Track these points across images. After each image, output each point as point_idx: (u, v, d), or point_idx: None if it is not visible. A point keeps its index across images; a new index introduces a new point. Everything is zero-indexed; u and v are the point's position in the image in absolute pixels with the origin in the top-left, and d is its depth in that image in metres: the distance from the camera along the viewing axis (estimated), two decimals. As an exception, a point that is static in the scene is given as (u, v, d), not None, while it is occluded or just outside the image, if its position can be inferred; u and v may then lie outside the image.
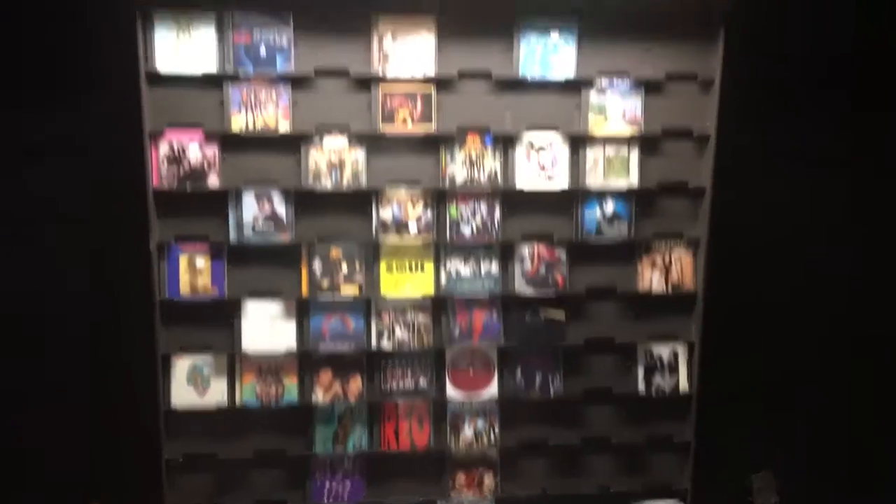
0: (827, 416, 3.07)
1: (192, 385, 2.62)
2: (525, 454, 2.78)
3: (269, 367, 2.65)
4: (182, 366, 2.62)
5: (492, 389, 2.74)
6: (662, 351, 2.79)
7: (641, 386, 2.79)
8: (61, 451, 2.77)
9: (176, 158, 2.54)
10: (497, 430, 2.76)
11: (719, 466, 2.85)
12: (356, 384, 2.68)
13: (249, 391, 2.64)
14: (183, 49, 2.49)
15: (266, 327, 2.63)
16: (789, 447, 3.00)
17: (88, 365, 2.74)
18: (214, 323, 2.62)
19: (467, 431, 2.75)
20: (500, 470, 2.78)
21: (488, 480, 2.78)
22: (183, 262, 2.59)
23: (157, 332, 2.55)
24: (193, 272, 2.59)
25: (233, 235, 2.59)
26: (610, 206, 2.70)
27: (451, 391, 2.73)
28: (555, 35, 2.60)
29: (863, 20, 2.85)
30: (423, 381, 2.72)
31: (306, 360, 2.67)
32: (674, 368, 2.79)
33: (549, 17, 2.58)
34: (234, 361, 2.65)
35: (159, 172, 2.53)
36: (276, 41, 2.52)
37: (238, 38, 2.51)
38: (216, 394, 2.63)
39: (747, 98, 2.73)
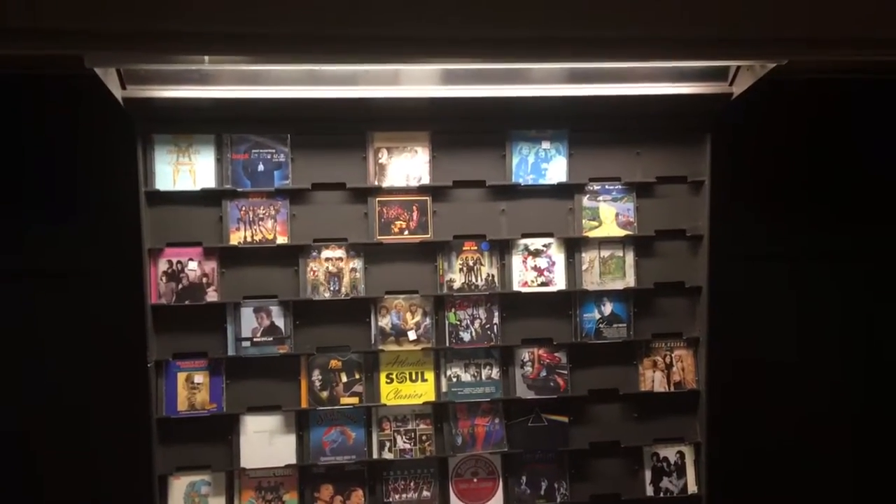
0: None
1: (190, 505, 2.62)
2: (534, 566, 2.77)
3: (268, 483, 2.66)
4: (179, 486, 2.62)
5: (497, 498, 2.75)
6: (669, 453, 2.82)
7: (650, 490, 2.80)
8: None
9: (175, 274, 2.62)
10: (504, 541, 2.76)
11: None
12: (358, 498, 2.69)
13: (249, 510, 2.65)
14: (182, 168, 2.61)
15: (265, 442, 2.66)
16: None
17: (87, 487, 2.74)
18: (212, 439, 2.65)
19: (473, 544, 2.75)
20: (509, 584, 2.76)
21: None
22: (181, 378, 2.64)
23: (154, 453, 2.57)
24: (191, 388, 2.64)
25: (231, 350, 2.65)
26: (608, 308, 2.79)
27: (456, 502, 2.73)
28: (546, 143, 2.74)
29: (846, 118, 3.02)
30: (426, 492, 2.73)
31: (307, 475, 2.69)
32: (681, 470, 2.81)
33: (539, 126, 2.73)
34: (232, 479, 2.65)
35: (158, 289, 2.61)
36: (274, 158, 2.65)
37: (236, 156, 2.64)
38: (215, 514, 2.63)
39: (737, 198, 2.87)
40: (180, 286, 2.61)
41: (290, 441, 2.67)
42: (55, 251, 2.73)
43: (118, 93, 2.39)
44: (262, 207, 2.65)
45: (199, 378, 2.64)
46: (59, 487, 2.75)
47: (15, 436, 2.73)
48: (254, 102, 2.47)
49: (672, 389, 2.81)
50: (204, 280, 2.62)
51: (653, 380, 2.81)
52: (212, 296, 2.63)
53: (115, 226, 2.65)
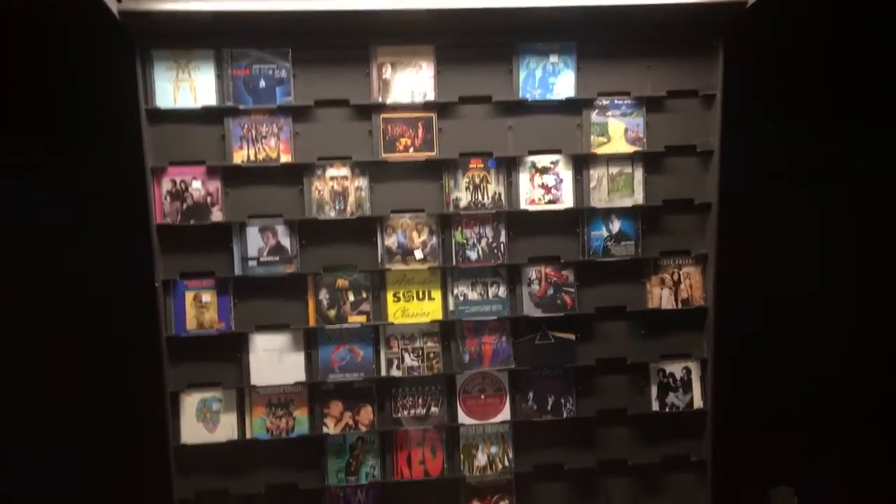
0: (844, 429, 3.15)
1: (202, 421, 2.70)
2: (540, 478, 2.86)
3: (278, 399, 2.74)
4: (191, 402, 2.70)
5: (504, 414, 2.82)
6: (675, 369, 2.87)
7: (655, 405, 2.87)
8: (72, 492, 2.85)
9: (179, 194, 2.64)
10: (511, 455, 2.84)
11: (737, 484, 2.92)
12: (367, 414, 2.77)
13: (259, 425, 2.73)
14: (182, 85, 2.60)
15: (274, 360, 2.72)
16: (808, 461, 3.07)
17: (97, 405, 2.83)
18: (222, 358, 2.71)
19: (481, 458, 2.83)
20: (516, 495, 2.86)
21: (504, 507, 2.86)
22: (189, 298, 2.68)
23: (165, 370, 2.64)
24: (199, 308, 2.69)
25: (238, 269, 2.68)
26: (616, 225, 2.80)
27: (463, 417, 2.81)
28: (553, 57, 2.70)
29: (861, 29, 2.95)
30: (434, 408, 2.81)
31: (316, 392, 2.76)
32: (687, 386, 2.87)
33: (546, 39, 2.69)
34: (243, 396, 2.73)
35: (162, 209, 2.63)
36: (275, 74, 2.63)
37: (237, 72, 2.62)
38: (226, 429, 2.71)
39: (750, 112, 2.84)
40: (185, 206, 2.64)
41: (299, 359, 2.74)
42: (56, 173, 2.75)
43: (114, 6, 2.36)
44: (264, 125, 2.64)
45: (206, 297, 2.69)
46: (68, 405, 2.83)
47: (23, 351, 2.80)
48: (254, 15, 2.44)
49: (679, 306, 2.84)
50: (208, 199, 2.64)
51: (660, 297, 2.84)
52: (216, 215, 2.65)
53: (117, 145, 2.65)
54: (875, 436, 3.18)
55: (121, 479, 2.85)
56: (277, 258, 2.69)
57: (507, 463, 2.84)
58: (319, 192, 2.69)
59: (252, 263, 2.68)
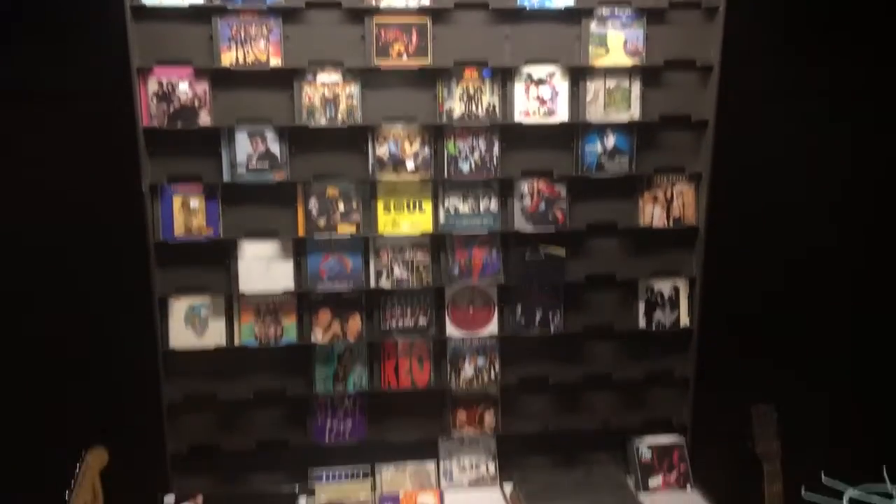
0: (828, 351, 3.22)
1: (190, 327, 2.74)
2: (526, 391, 2.93)
3: (267, 307, 2.77)
4: (179, 308, 2.73)
5: (492, 327, 2.87)
6: (663, 286, 2.91)
7: (642, 322, 2.92)
8: (60, 398, 2.90)
9: (165, 96, 2.60)
10: (497, 367, 2.90)
11: (719, 401, 2.99)
12: (355, 323, 2.81)
13: (248, 332, 2.76)
14: (169, -19, 2.53)
15: (263, 268, 2.74)
16: (790, 382, 3.15)
17: (85, 310, 2.85)
18: (210, 264, 2.73)
19: (468, 369, 2.89)
20: (501, 407, 2.93)
21: (489, 418, 2.93)
22: (176, 203, 2.68)
23: (153, 275, 2.66)
24: (188, 213, 2.68)
25: (226, 175, 2.67)
26: (611, 140, 2.79)
27: (451, 329, 2.85)
28: (554, -38, 2.64)
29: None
30: (422, 320, 2.85)
31: (304, 301, 2.79)
32: (675, 303, 2.92)
33: (548, -57, 2.63)
34: (231, 302, 2.76)
35: (149, 111, 2.60)
36: (266, -28, 2.56)
37: (225, -31, 2.55)
38: (214, 335, 2.75)
39: (753, 28, 2.79)
40: (172, 108, 2.60)
41: (288, 267, 2.75)
42: (39, 71, 2.69)
43: None
44: (253, 26, 2.59)
45: (194, 203, 2.68)
46: (55, 313, 2.85)
47: (11, 254, 2.81)
48: None
49: (671, 225, 2.86)
50: (196, 102, 2.61)
51: (652, 215, 2.85)
52: (204, 119, 2.62)
53: (101, 44, 2.59)
54: (857, 357, 3.26)
55: (109, 383, 2.89)
56: (267, 165, 2.68)
57: (493, 375, 2.90)
58: (310, 98, 2.66)
59: (241, 170, 2.67)
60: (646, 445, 2.92)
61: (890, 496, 2.77)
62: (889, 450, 3.04)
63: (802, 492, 2.85)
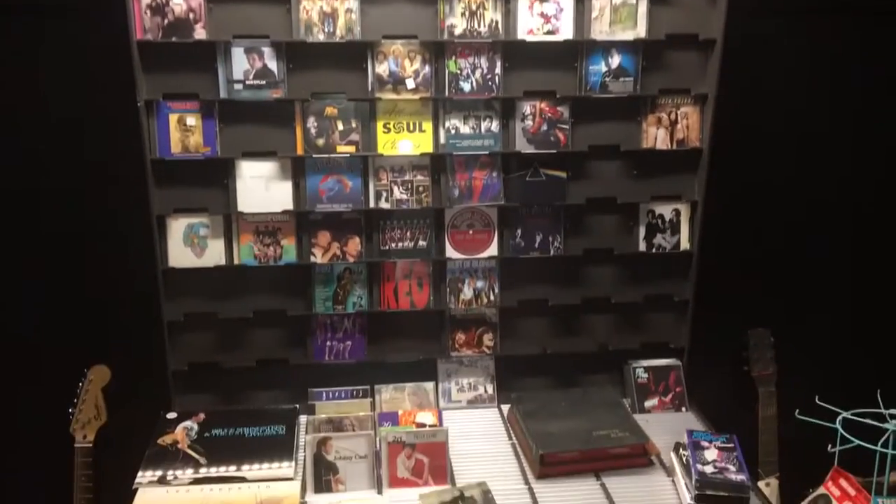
0: (827, 276, 3.24)
1: (189, 246, 2.74)
2: (524, 313, 2.95)
3: (265, 227, 2.76)
4: (178, 227, 2.72)
5: (492, 250, 2.87)
6: (665, 210, 2.90)
7: (642, 245, 2.92)
8: (61, 318, 2.92)
9: (159, 8, 2.54)
10: (497, 290, 2.92)
11: (717, 325, 3.02)
12: (355, 245, 2.81)
13: (247, 252, 2.77)
14: None
15: (261, 187, 2.72)
16: (788, 307, 3.17)
17: (83, 228, 2.84)
18: (208, 183, 2.71)
19: (467, 291, 2.91)
20: (500, 329, 2.96)
21: (487, 339, 2.96)
22: (173, 120, 2.65)
23: (150, 193, 2.64)
24: (184, 131, 2.65)
25: (223, 92, 2.63)
26: (616, 60, 2.74)
27: (451, 251, 2.86)
28: None
29: None
30: (422, 242, 2.85)
31: (303, 221, 2.78)
32: (676, 227, 2.91)
33: None
34: (230, 222, 2.75)
35: (142, 24, 2.54)
36: None
37: None
38: (213, 254, 2.75)
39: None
40: (166, 21, 2.55)
41: (287, 187, 2.74)
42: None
43: None
44: (249, -65, 2.51)
45: (191, 120, 2.65)
46: (53, 233, 2.85)
47: (4, 172, 2.79)
48: None
49: (675, 147, 2.83)
50: (191, 16, 2.55)
51: (656, 137, 2.83)
52: (200, 33, 2.57)
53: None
54: (857, 286, 3.28)
55: (109, 302, 2.91)
56: (264, 82, 2.64)
57: (492, 297, 2.92)
58: (308, 12, 2.60)
59: (238, 87, 2.63)
60: (642, 367, 2.95)
61: (884, 419, 2.81)
62: (884, 374, 3.08)
63: (796, 414, 2.90)
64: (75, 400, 2.58)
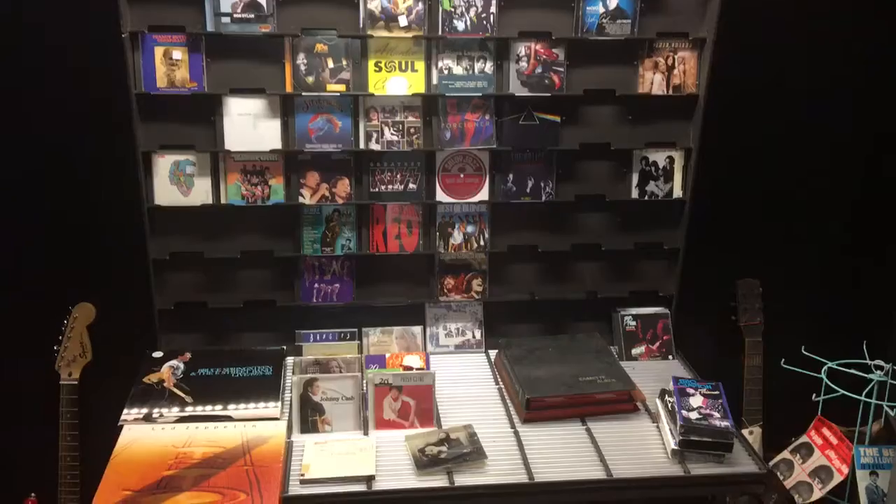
0: (817, 229, 3.23)
1: (176, 184, 2.70)
2: (514, 259, 2.93)
3: (253, 167, 2.72)
4: (164, 164, 2.68)
5: (483, 194, 2.84)
6: (658, 157, 2.87)
7: (635, 192, 2.90)
8: (46, 255, 2.88)
9: (144, -64, 2.46)
10: (487, 235, 2.90)
11: (707, 275, 3.02)
12: (344, 186, 2.77)
13: (234, 191, 2.73)
14: None
15: (249, 125, 2.67)
16: (777, 258, 3.17)
17: (66, 164, 2.79)
18: (195, 120, 2.66)
19: (457, 236, 2.89)
20: (489, 274, 2.94)
21: (477, 285, 2.95)
22: (158, 53, 2.58)
23: (135, 129, 2.59)
24: (170, 65, 2.59)
25: (210, 25, 2.56)
26: (613, 1, 2.68)
27: (442, 195, 2.83)
28: None
29: None
30: (412, 185, 2.81)
31: (292, 161, 2.74)
32: (669, 175, 2.89)
33: None
34: (217, 160, 2.71)
35: (127, -48, 2.46)
36: None
37: None
38: (200, 193, 2.71)
39: None
40: (151, -51, 2.46)
41: (275, 126, 2.69)
42: None
43: None
44: None
45: (177, 54, 2.59)
46: (36, 167, 2.80)
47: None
48: None
49: (671, 93, 2.79)
50: (177, -56, 2.47)
51: (652, 82, 2.78)
52: (186, -37, 2.49)
53: None
54: (845, 237, 3.28)
55: (94, 239, 2.87)
56: (252, 16, 2.57)
57: (482, 242, 2.90)
58: (298, -57, 2.52)
59: (225, 20, 2.56)
60: (631, 315, 2.95)
61: (869, 370, 2.84)
62: (871, 326, 3.11)
63: (781, 363, 2.93)
64: (60, 337, 2.56)
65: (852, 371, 2.85)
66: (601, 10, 2.68)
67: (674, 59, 2.76)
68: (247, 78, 2.63)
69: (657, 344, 2.95)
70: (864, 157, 3.18)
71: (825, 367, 2.90)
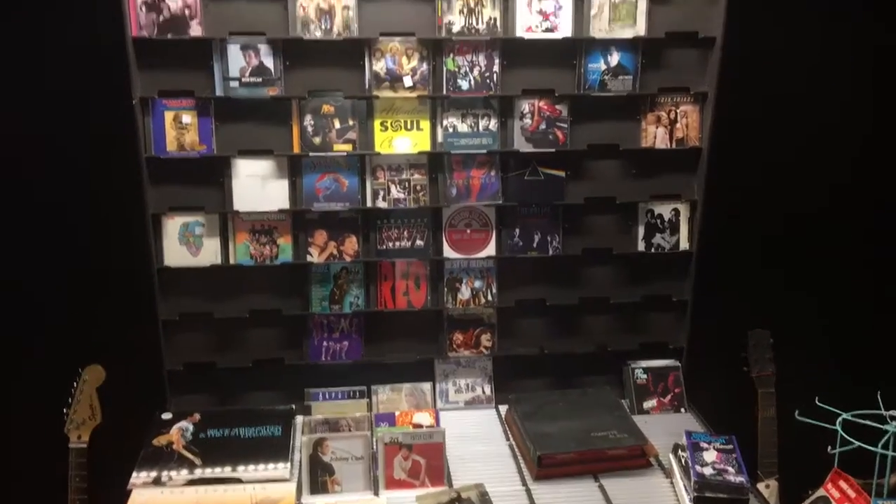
0: (826, 277, 3.23)
1: (185, 245, 2.72)
2: (522, 314, 2.94)
3: (262, 226, 2.75)
4: (173, 225, 2.71)
5: (489, 249, 2.86)
6: (664, 210, 2.89)
7: (641, 245, 2.91)
8: (56, 316, 2.90)
9: (154, 5, 2.52)
10: (495, 289, 2.90)
11: (717, 326, 3.01)
12: (352, 244, 2.79)
13: (243, 251, 2.75)
14: None
15: (258, 186, 2.71)
16: (787, 308, 3.16)
17: (78, 226, 2.83)
18: (204, 182, 2.70)
19: (465, 291, 2.89)
20: (498, 329, 2.94)
21: (485, 340, 2.95)
22: (168, 118, 2.63)
23: (145, 191, 2.63)
24: (180, 129, 2.64)
25: (219, 89, 2.62)
26: (615, 58, 2.73)
27: (449, 251, 2.84)
28: None
29: None
30: (419, 242, 2.83)
31: (300, 220, 2.77)
32: (675, 227, 2.90)
33: None
34: (226, 221, 2.74)
35: (138, 20, 2.53)
36: None
37: None
38: (209, 253, 2.74)
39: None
40: (161, 18, 2.53)
41: (283, 186, 2.73)
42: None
43: None
44: (245, -68, 2.50)
45: (187, 118, 2.64)
46: (48, 228, 2.83)
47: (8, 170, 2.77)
48: None
49: (674, 146, 2.82)
50: (186, 12, 2.54)
51: (655, 136, 2.82)
52: (195, 30, 2.56)
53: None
54: (855, 286, 3.27)
55: (104, 301, 2.90)
56: (260, 79, 2.62)
57: (489, 297, 2.91)
58: (304, 9, 2.58)
59: (234, 84, 2.62)
60: (641, 368, 2.94)
61: (884, 421, 2.80)
62: (884, 376, 3.07)
63: (796, 415, 2.89)
64: (70, 400, 2.56)
65: (868, 422, 2.81)
66: (603, 66, 2.73)
67: (676, 113, 2.80)
68: (255, 139, 2.68)
69: (669, 397, 2.93)
70: (870, 206, 3.19)
71: (840, 419, 2.86)
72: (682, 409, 2.93)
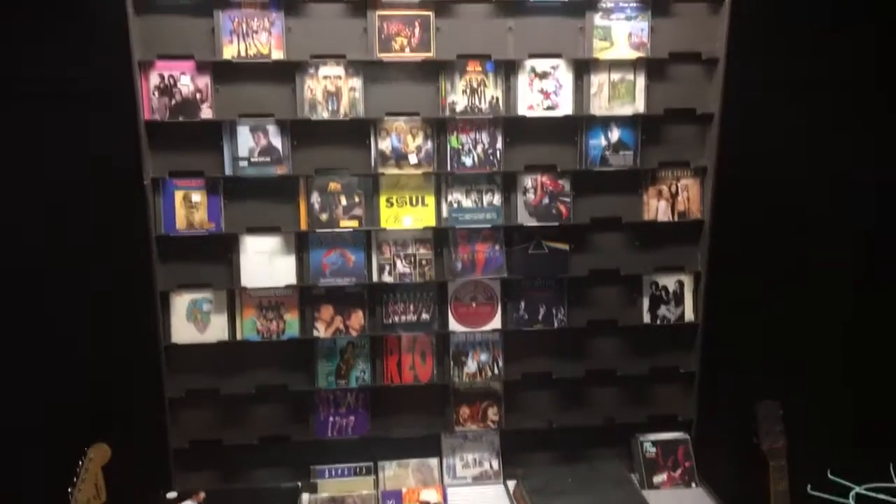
0: (835, 347, 3.22)
1: (192, 321, 2.75)
2: (529, 387, 2.93)
3: (269, 302, 2.78)
4: (181, 302, 2.74)
5: (495, 322, 2.87)
6: (668, 282, 2.91)
7: (647, 317, 2.92)
8: (62, 394, 2.91)
9: (167, 90, 2.61)
10: (501, 363, 2.90)
11: (725, 397, 2.99)
12: (358, 318, 2.81)
13: (250, 327, 2.77)
14: (170, -26, 2.54)
15: (265, 262, 2.75)
16: (796, 378, 3.14)
17: (86, 304, 2.86)
18: (212, 259, 2.74)
19: (471, 365, 2.90)
20: (505, 403, 2.93)
21: (492, 413, 2.93)
22: (178, 197, 2.69)
23: (154, 269, 2.66)
24: (189, 208, 2.69)
25: (228, 169, 2.68)
26: (615, 134, 2.79)
27: (454, 325, 2.86)
28: (557, -46, 2.65)
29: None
30: (425, 315, 2.85)
31: (307, 296, 2.80)
32: (680, 299, 2.92)
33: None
34: (233, 297, 2.77)
35: (150, 105, 2.61)
36: (268, -36, 2.57)
37: (227, -38, 2.56)
38: (217, 330, 2.76)
39: (758, 21, 2.79)
40: (173, 102, 2.61)
41: (290, 262, 2.76)
42: (40, 65, 2.71)
43: None
44: (255, 19, 2.60)
45: (196, 197, 2.69)
46: (56, 307, 2.86)
47: (12, 249, 2.82)
48: None
49: (676, 219, 2.86)
50: (198, 96, 2.62)
51: (657, 209, 2.85)
52: (206, 113, 2.63)
53: (102, 37, 2.60)
54: (862, 357, 3.26)
55: (111, 378, 2.90)
56: (269, 159, 2.69)
57: (496, 370, 2.91)
58: (312, 91, 2.66)
59: (243, 164, 2.68)
60: (650, 442, 2.92)
61: (897, 493, 2.76)
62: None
63: (808, 489, 2.85)
64: (75, 479, 2.54)
65: (881, 496, 2.77)
66: (603, 142, 2.79)
67: (677, 186, 2.84)
68: (263, 216, 2.73)
69: (679, 471, 2.90)
70: (875, 275, 3.20)
71: (853, 493, 2.82)
72: (693, 484, 2.89)
